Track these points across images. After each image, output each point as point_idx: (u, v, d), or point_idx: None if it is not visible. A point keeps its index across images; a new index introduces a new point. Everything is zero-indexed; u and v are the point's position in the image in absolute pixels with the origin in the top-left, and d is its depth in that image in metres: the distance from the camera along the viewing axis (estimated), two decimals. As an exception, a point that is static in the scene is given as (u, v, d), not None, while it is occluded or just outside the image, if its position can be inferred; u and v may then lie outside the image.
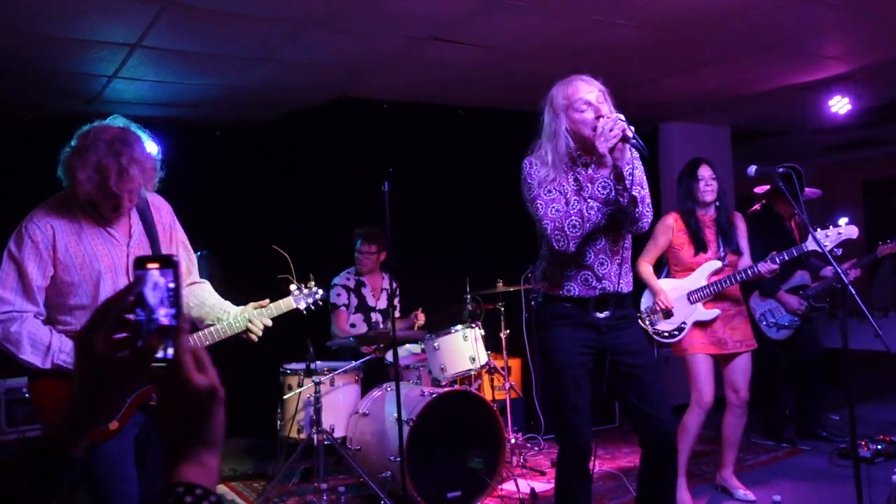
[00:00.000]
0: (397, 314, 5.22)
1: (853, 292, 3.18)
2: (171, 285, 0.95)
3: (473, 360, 4.46)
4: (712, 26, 4.33)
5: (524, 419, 5.63)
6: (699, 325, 3.93)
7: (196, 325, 2.68)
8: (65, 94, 5.03)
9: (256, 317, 2.63)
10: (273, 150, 6.34)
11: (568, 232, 2.70)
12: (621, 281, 2.87)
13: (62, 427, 0.94)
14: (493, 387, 5.11)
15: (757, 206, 5.39)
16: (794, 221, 5.20)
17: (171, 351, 0.93)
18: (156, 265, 0.95)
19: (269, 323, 2.66)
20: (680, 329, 3.97)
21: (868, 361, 6.28)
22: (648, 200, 2.80)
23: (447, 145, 5.96)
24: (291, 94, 5.42)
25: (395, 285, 5.16)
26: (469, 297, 4.95)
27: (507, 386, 5.01)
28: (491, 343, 4.91)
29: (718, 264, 3.92)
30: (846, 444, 4.83)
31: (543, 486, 4.46)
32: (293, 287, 2.86)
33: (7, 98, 5.04)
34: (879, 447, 4.69)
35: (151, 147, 2.55)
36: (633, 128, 2.64)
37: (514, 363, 5.74)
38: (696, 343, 3.92)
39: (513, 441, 4.90)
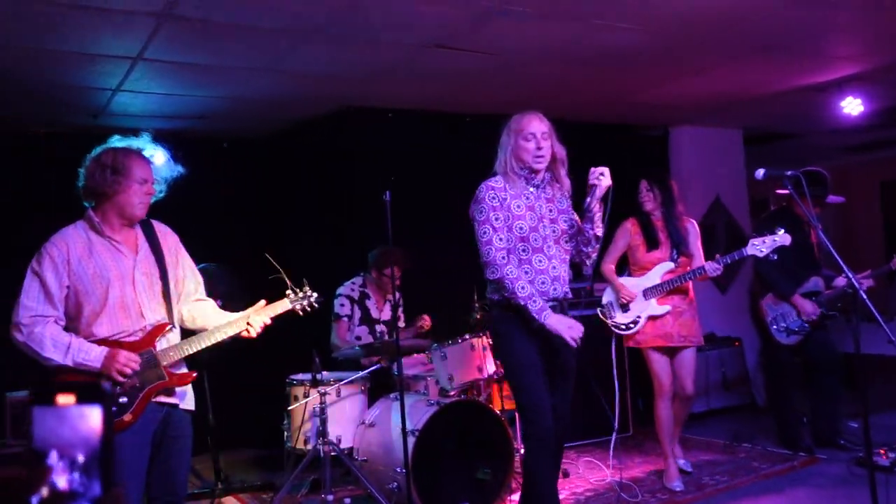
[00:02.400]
0: (402, 324, 5.17)
1: (864, 297, 3.14)
2: (95, 437, 0.64)
3: (481, 369, 4.42)
4: (720, 28, 4.27)
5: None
6: (652, 318, 4.43)
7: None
8: (72, 108, 5.05)
9: (253, 317, 2.90)
10: (280, 161, 6.35)
11: (498, 260, 3.24)
12: (566, 286, 3.38)
13: None
14: (501, 396, 5.05)
15: (775, 208, 5.33)
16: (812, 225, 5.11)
17: None
18: (70, 398, 0.65)
19: (268, 321, 2.93)
20: (635, 322, 4.48)
21: (885, 367, 6.16)
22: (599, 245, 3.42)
23: (454, 152, 5.92)
24: (296, 105, 5.41)
25: (397, 296, 5.11)
26: (477, 306, 4.90)
27: (517, 395, 4.94)
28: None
29: (671, 265, 4.43)
30: (864, 453, 4.73)
31: (553, 496, 4.39)
32: (289, 291, 3.08)
33: (20, 112, 5.08)
34: (899, 455, 4.58)
35: (165, 164, 2.98)
36: (606, 187, 3.24)
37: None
38: (647, 336, 4.43)
39: (522, 451, 4.83)
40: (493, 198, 3.28)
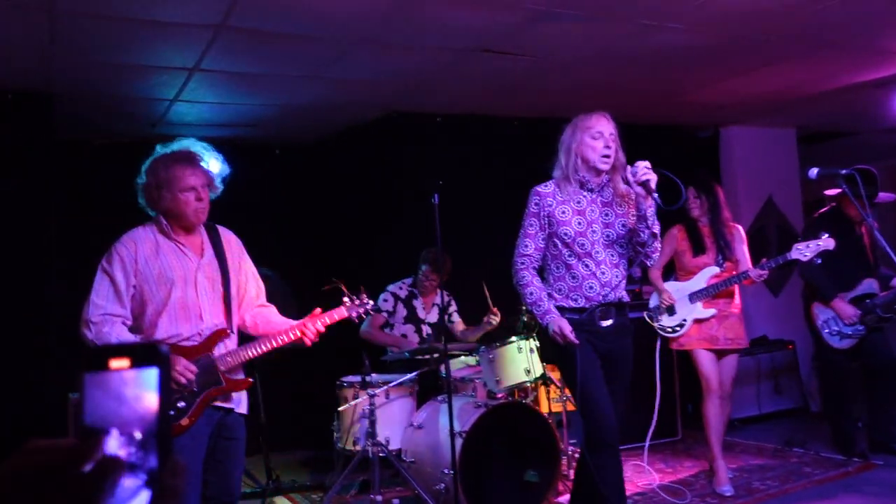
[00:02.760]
0: (461, 327, 5.23)
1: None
2: (153, 404, 0.60)
3: (528, 371, 4.43)
4: (770, 25, 4.21)
5: (582, 432, 5.55)
6: (697, 322, 4.47)
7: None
8: (131, 118, 5.24)
9: (309, 324, 2.92)
10: (330, 166, 6.46)
11: (517, 265, 3.33)
12: (621, 289, 3.32)
13: None
14: (548, 399, 5.06)
15: (825, 209, 5.22)
16: (867, 226, 5.00)
17: None
18: (125, 362, 0.60)
19: (322, 329, 2.94)
20: (681, 325, 4.53)
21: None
22: (659, 241, 3.30)
23: (502, 156, 5.96)
24: (344, 111, 5.51)
25: (448, 299, 5.17)
26: (523, 308, 4.92)
27: (564, 398, 4.95)
28: (546, 354, 4.86)
29: (717, 269, 4.49)
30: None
31: (601, 500, 4.38)
32: (345, 298, 3.12)
33: (77, 123, 5.27)
34: (960, 462, 4.45)
35: (214, 162, 2.91)
36: (655, 178, 3.11)
37: (572, 374, 5.67)
38: (692, 339, 4.47)
39: (570, 453, 4.84)
40: (537, 203, 3.29)
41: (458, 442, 3.83)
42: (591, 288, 3.23)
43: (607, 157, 3.19)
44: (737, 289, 4.53)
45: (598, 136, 3.19)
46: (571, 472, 4.72)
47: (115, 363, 0.59)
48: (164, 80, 4.46)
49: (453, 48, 4.30)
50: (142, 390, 0.59)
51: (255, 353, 2.85)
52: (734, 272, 4.46)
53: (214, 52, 4.03)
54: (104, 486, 0.56)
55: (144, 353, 0.60)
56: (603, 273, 3.24)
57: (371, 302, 3.15)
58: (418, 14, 3.73)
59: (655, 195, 3.09)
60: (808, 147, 7.65)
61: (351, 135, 6.10)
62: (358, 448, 4.37)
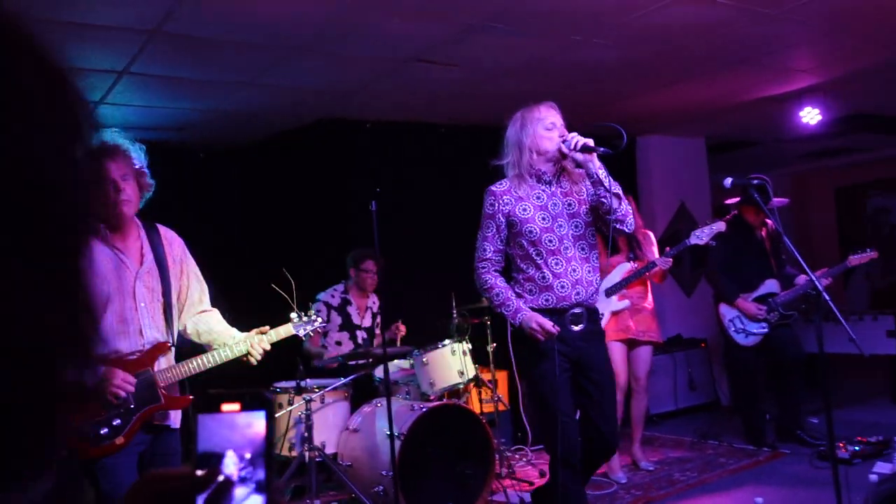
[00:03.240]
0: (379, 331, 5.28)
1: (827, 298, 3.33)
2: (259, 436, 0.71)
3: (462, 373, 4.54)
4: (687, 43, 4.47)
5: (511, 431, 5.72)
6: (614, 314, 4.73)
7: (205, 348, 2.84)
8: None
9: (257, 342, 2.77)
10: (257, 171, 6.41)
11: (479, 270, 3.23)
12: (592, 290, 3.20)
13: None
14: (480, 400, 5.19)
15: (728, 216, 5.57)
16: (766, 230, 5.39)
17: None
18: (236, 406, 0.71)
19: (268, 347, 2.81)
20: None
21: (845, 364, 6.44)
22: (626, 201, 3.17)
23: (429, 161, 6.06)
24: (275, 117, 5.50)
25: (378, 304, 5.22)
26: (455, 311, 5.03)
27: (496, 399, 5.09)
28: (478, 357, 4.99)
29: (629, 265, 4.76)
30: (825, 447, 4.98)
31: (533, 496, 4.54)
32: (293, 315, 3.02)
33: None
34: (857, 448, 4.82)
35: (139, 155, 2.70)
36: (591, 139, 3.04)
37: (501, 376, 5.82)
38: (609, 331, 4.54)
39: (506, 453, 4.98)
40: (492, 204, 3.18)
41: (397, 444, 3.90)
42: (562, 287, 3.10)
43: (560, 144, 3.10)
44: (649, 286, 4.85)
45: (551, 128, 3.11)
46: (504, 471, 4.88)
47: (227, 407, 0.71)
48: (91, 83, 4.35)
49: (388, 58, 4.37)
50: (251, 423, 0.71)
51: (196, 368, 2.68)
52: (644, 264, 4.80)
53: (146, 56, 3.97)
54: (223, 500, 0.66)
55: (253, 399, 0.71)
56: (574, 270, 3.12)
57: (319, 319, 3.09)
58: (354, 25, 3.78)
59: (601, 149, 3.01)
60: (717, 155, 8.08)
61: (280, 140, 6.08)
62: (294, 454, 4.37)
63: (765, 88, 5.74)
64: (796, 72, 5.35)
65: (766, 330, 5.25)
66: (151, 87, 4.51)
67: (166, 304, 2.70)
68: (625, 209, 3.12)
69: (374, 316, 5.24)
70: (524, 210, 3.12)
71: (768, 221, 5.40)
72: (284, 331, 2.92)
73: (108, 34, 3.64)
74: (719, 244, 4.74)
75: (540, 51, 4.42)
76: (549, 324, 3.03)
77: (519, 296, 3.17)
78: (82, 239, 0.52)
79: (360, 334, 5.19)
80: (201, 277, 2.92)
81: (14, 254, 0.45)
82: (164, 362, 2.68)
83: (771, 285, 5.33)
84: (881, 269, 8.80)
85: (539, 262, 3.11)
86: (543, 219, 3.11)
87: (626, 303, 4.73)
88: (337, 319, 5.15)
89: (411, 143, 6.02)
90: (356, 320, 5.20)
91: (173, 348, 2.75)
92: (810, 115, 6.11)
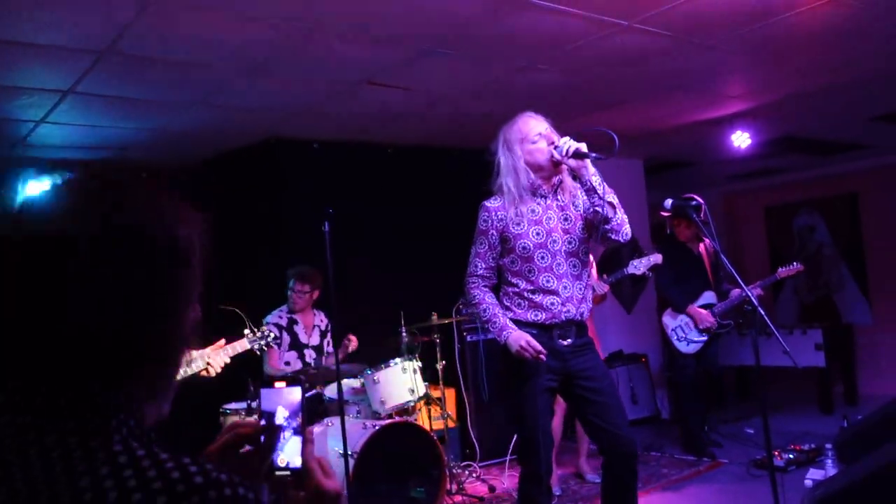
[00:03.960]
0: (330, 349, 5.28)
1: (762, 313, 3.49)
2: (296, 401, 1.13)
3: (412, 391, 4.59)
4: (626, 69, 4.66)
5: (460, 447, 5.77)
6: None
7: None
8: (-12, 137, 4.95)
9: (214, 356, 2.88)
10: (202, 191, 6.33)
11: (469, 284, 3.17)
12: (582, 306, 3.11)
13: None
14: (430, 417, 5.24)
15: (668, 231, 5.88)
16: (704, 247, 5.65)
17: (298, 460, 1.07)
18: (283, 384, 1.15)
19: (228, 360, 2.93)
20: None
21: (775, 376, 6.72)
22: (622, 209, 3.07)
23: (377, 182, 6.11)
24: (222, 136, 5.48)
25: (325, 322, 5.23)
26: (405, 330, 5.08)
27: (445, 415, 5.15)
28: (427, 374, 5.05)
29: None
30: (762, 456, 5.20)
31: (482, 511, 4.60)
32: (247, 331, 3.10)
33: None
34: (791, 456, 5.05)
35: None
36: (584, 144, 2.94)
37: (449, 393, 5.88)
38: None
39: (455, 469, 5.03)
40: (486, 220, 3.10)
41: (350, 463, 3.91)
42: (552, 305, 3.03)
43: (551, 151, 3.00)
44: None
45: (538, 139, 3.03)
46: (454, 486, 4.93)
47: (277, 384, 1.15)
48: (33, 102, 4.28)
49: (339, 80, 4.43)
50: (291, 393, 1.14)
51: None
52: None
53: (93, 76, 3.93)
54: (276, 439, 1.09)
55: (291, 380, 1.15)
56: (565, 288, 3.04)
57: (272, 334, 3.15)
58: (306, 47, 3.83)
59: (593, 154, 2.92)
60: (653, 176, 8.36)
61: (226, 160, 6.04)
62: (244, 475, 4.33)
63: (699, 113, 5.99)
64: (728, 98, 5.62)
65: (705, 338, 5.54)
66: (96, 106, 4.46)
67: None
68: (620, 218, 3.03)
69: (322, 334, 5.24)
70: (518, 225, 3.04)
71: (704, 238, 5.64)
72: (240, 345, 3.04)
73: (55, 54, 3.60)
74: (663, 259, 4.90)
75: (488, 75, 4.54)
76: (537, 346, 2.93)
77: (507, 308, 3.11)
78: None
79: (308, 353, 5.18)
80: None
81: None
82: None
83: (708, 296, 5.62)
84: (808, 284, 9.21)
85: (531, 277, 3.04)
86: (537, 234, 3.04)
87: None
88: (287, 339, 5.14)
89: (360, 162, 6.07)
90: (303, 339, 5.19)
91: None
92: (741, 139, 6.41)
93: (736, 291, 5.46)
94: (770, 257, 9.57)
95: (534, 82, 4.76)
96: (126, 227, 0.88)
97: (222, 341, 2.96)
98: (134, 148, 5.54)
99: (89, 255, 0.85)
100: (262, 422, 1.10)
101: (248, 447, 1.08)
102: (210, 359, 2.87)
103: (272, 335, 3.13)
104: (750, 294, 3.50)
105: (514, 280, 3.11)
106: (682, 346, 5.61)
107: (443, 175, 6.19)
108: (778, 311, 9.42)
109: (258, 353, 3.13)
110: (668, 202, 4.14)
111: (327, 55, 3.97)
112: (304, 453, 1.07)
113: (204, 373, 2.88)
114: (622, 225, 3.04)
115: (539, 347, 2.93)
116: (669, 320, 5.68)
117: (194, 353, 2.90)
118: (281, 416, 1.10)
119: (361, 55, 4.02)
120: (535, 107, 5.28)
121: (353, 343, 5.11)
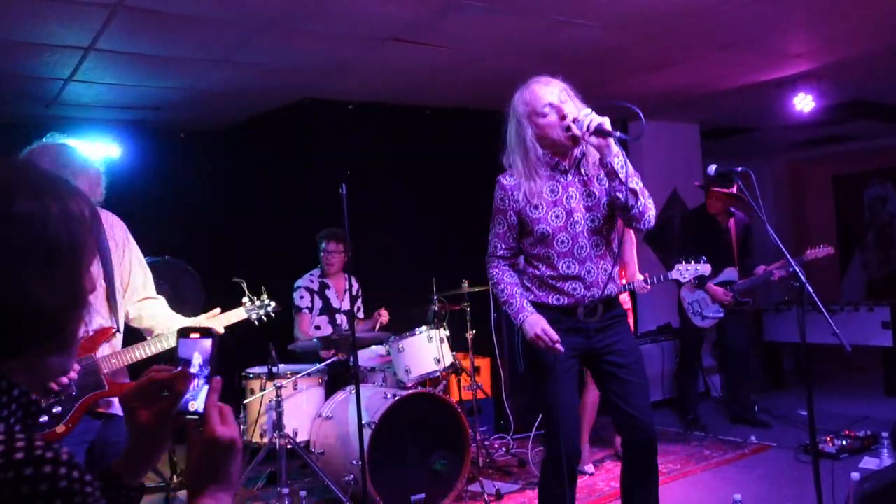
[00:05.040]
0: (361, 315, 5.18)
1: (810, 290, 3.21)
2: (208, 351, 1.20)
3: (438, 361, 4.45)
4: (676, 25, 4.33)
5: (493, 419, 5.63)
6: None
7: (145, 335, 2.79)
8: (23, 96, 4.95)
9: (210, 325, 2.70)
10: (238, 153, 6.29)
11: (489, 264, 2.96)
12: (609, 285, 2.83)
13: (125, 464, 1.19)
14: (460, 387, 5.10)
15: (696, 206, 5.85)
16: (734, 220, 5.47)
17: (201, 406, 1.15)
18: (197, 335, 1.21)
19: (221, 330, 2.74)
20: None
21: (837, 356, 6.35)
22: (648, 193, 2.76)
23: (414, 145, 5.93)
24: (253, 97, 5.37)
25: (356, 287, 5.11)
26: (435, 297, 4.93)
27: (474, 386, 4.99)
28: (458, 344, 4.90)
29: None
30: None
31: (510, 486, 4.46)
32: (245, 299, 2.94)
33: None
34: (844, 442, 4.73)
35: (93, 159, 2.65)
36: (607, 119, 2.60)
37: (483, 363, 5.73)
38: None
39: (484, 441, 4.89)
40: (502, 199, 2.83)
41: (368, 433, 3.81)
42: (574, 290, 2.80)
43: (568, 126, 2.65)
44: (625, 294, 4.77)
45: (548, 110, 2.68)
46: (481, 459, 4.79)
47: (193, 335, 1.21)
48: (57, 59, 4.23)
49: (364, 36, 4.24)
50: (204, 344, 1.20)
51: (143, 354, 2.62)
52: (623, 272, 4.60)
53: (111, 32, 3.84)
54: (187, 386, 1.16)
55: (206, 332, 1.21)
56: (589, 272, 2.80)
57: (273, 303, 2.98)
58: (329, 2, 3.65)
59: (617, 133, 2.59)
60: (710, 142, 7.94)
61: (263, 121, 5.96)
62: (265, 440, 4.29)
63: (758, 73, 5.60)
64: (789, 57, 5.21)
65: (721, 314, 5.53)
66: (121, 64, 4.39)
67: (109, 290, 2.62)
68: (643, 205, 2.71)
69: (353, 299, 5.13)
70: (536, 208, 2.77)
71: (734, 211, 5.60)
72: (235, 315, 2.86)
73: (70, 8, 3.51)
74: (689, 231, 4.85)
75: (521, 31, 4.28)
76: (553, 335, 2.71)
77: (528, 290, 2.87)
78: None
79: (340, 318, 5.09)
80: (145, 264, 2.83)
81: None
82: (108, 348, 2.60)
83: (729, 273, 5.55)
84: (878, 259, 8.67)
85: (552, 262, 2.80)
86: (556, 216, 2.77)
87: None
88: (319, 303, 5.06)
89: (397, 125, 5.90)
90: (335, 303, 5.11)
91: (119, 334, 2.66)
92: (804, 102, 5.97)
93: (760, 269, 5.40)
94: (837, 230, 9.05)
95: (574, 40, 4.47)
96: None
97: (217, 310, 2.80)
98: (167, 108, 5.49)
99: None
100: (178, 368, 1.18)
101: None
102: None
103: (272, 305, 2.98)
104: (799, 271, 3.22)
105: (535, 262, 2.87)
106: (697, 321, 5.61)
107: (481, 137, 5.96)
108: (844, 286, 8.92)
109: (256, 323, 2.96)
110: (712, 168, 3.88)
111: (348, 10, 3.78)
112: (207, 400, 1.14)
113: None
114: (644, 213, 2.73)
115: (555, 337, 2.71)
116: (686, 294, 5.63)
117: (186, 321, 2.75)
118: (196, 362, 1.19)
119: (384, 10, 3.81)
120: (574, 66, 5.04)
121: (384, 317, 5.03)
